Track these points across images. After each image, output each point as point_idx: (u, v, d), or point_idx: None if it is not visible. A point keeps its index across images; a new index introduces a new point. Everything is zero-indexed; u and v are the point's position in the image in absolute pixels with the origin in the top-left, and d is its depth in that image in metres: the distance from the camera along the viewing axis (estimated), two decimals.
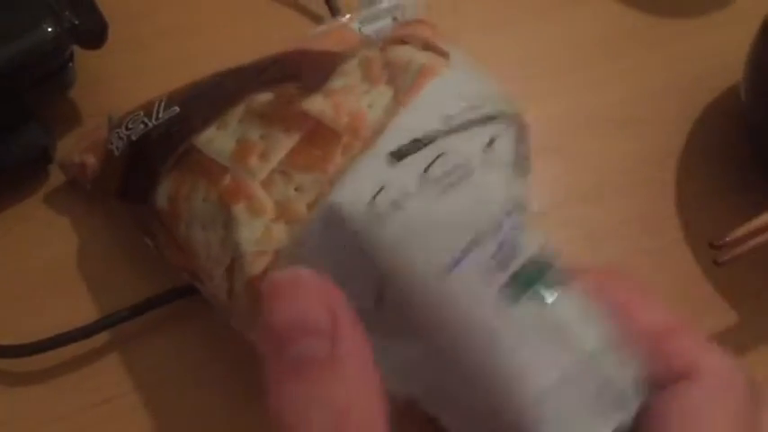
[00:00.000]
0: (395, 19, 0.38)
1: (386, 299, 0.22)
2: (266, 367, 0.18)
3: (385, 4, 0.38)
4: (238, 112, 0.30)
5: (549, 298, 0.21)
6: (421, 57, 0.28)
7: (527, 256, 0.21)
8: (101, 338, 0.34)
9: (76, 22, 0.35)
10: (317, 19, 0.44)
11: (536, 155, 0.30)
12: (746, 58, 0.40)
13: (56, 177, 0.38)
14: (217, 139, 0.30)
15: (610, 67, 0.44)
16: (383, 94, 0.27)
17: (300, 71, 0.30)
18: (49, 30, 0.34)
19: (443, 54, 0.28)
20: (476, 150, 0.24)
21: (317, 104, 0.28)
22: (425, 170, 0.23)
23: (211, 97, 0.32)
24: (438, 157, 0.23)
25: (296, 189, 0.27)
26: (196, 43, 0.43)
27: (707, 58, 0.45)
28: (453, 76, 0.27)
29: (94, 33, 0.36)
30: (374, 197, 0.22)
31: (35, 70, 0.35)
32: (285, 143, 0.28)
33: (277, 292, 0.19)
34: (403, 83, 0.27)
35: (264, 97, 0.30)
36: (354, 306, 0.19)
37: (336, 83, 0.28)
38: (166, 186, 0.31)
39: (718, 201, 0.41)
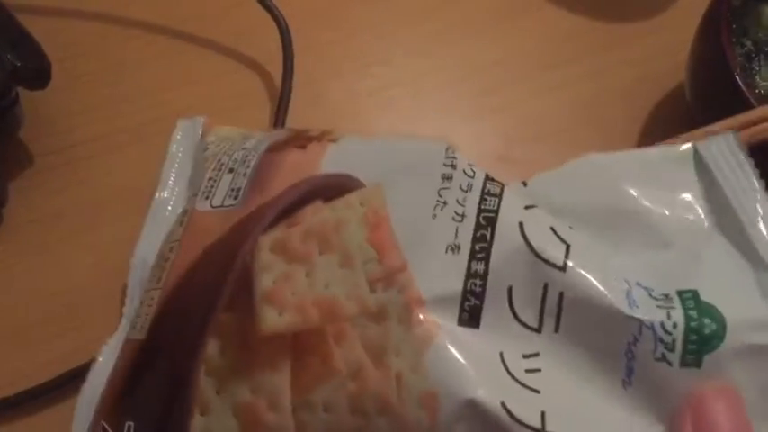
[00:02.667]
0: None
1: None
2: None
3: None
4: (205, 384, 0.25)
5: None
6: (350, 213, 0.27)
7: None
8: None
9: (18, 64, 0.35)
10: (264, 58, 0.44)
11: (489, 165, 0.30)
12: (687, 57, 0.41)
13: (10, 220, 0.38)
14: (214, 427, 0.25)
15: (555, 74, 0.45)
16: (330, 263, 0.26)
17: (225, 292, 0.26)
18: None
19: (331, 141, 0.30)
20: None
21: (272, 319, 0.25)
22: None
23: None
24: None
25: (325, 410, 0.25)
26: (143, 78, 0.43)
27: (651, 60, 0.46)
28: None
29: (38, 74, 0.36)
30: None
31: None
32: (282, 379, 0.25)
33: None
34: (351, 238, 0.26)
35: (214, 348, 0.26)
36: None
37: (265, 281, 0.26)
38: None
39: None
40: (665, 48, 0.46)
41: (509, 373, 0.25)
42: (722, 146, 0.30)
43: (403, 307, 0.25)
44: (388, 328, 0.25)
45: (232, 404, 0.25)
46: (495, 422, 0.23)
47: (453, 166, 0.28)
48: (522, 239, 0.26)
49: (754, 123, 0.33)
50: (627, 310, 0.25)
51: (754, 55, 0.38)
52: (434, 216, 0.27)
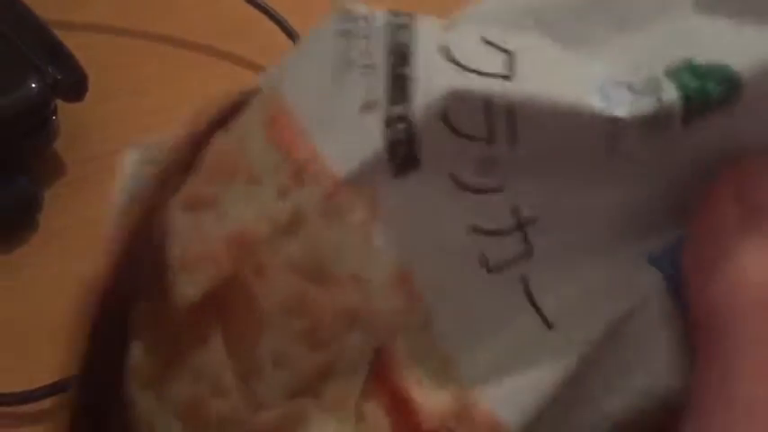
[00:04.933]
0: None
1: None
2: None
3: None
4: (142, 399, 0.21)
5: None
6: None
7: None
8: None
9: (59, 77, 0.37)
10: None
11: None
12: None
13: (45, 226, 0.39)
14: None
15: None
16: (238, 192, 0.21)
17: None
18: (34, 86, 0.36)
19: None
20: None
21: (185, 286, 0.20)
22: None
23: None
24: None
25: (276, 365, 0.20)
26: (168, 92, 0.45)
27: None
28: None
29: (76, 87, 0.38)
30: None
31: (22, 125, 0.37)
32: (216, 353, 0.20)
33: None
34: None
35: (138, 353, 0.21)
36: None
37: (178, 248, 0.21)
38: None
39: None
40: None
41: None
42: None
43: (322, 200, 0.20)
44: (311, 235, 0.20)
45: (174, 406, 0.21)
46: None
47: (351, 20, 0.22)
48: (448, 63, 0.20)
49: None
50: (599, 107, 0.19)
51: None
52: (339, 81, 0.21)
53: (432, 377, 0.20)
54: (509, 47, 0.20)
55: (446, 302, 0.20)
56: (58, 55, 0.38)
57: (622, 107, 0.19)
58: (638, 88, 0.19)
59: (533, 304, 0.20)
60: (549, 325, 0.20)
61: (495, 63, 0.20)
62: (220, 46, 0.46)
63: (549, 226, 0.20)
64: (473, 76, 0.19)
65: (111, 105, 0.43)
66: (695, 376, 0.19)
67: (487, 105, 0.19)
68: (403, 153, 0.20)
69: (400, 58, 0.20)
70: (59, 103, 0.38)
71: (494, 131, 0.19)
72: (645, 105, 0.19)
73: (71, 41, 0.40)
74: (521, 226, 0.20)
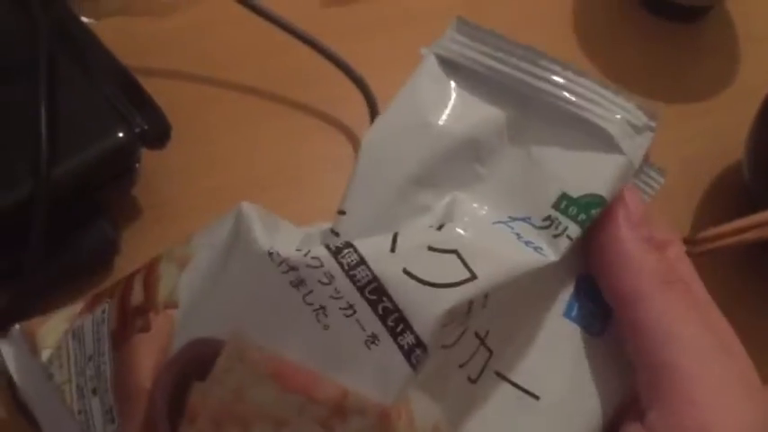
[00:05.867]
0: None
1: None
2: None
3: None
4: None
5: None
6: None
7: None
8: None
9: (146, 127, 0.38)
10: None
11: None
12: (748, 136, 0.45)
13: (119, 269, 0.40)
14: None
15: None
16: None
17: None
18: (121, 135, 0.37)
19: None
20: None
21: None
22: None
23: None
24: None
25: None
26: (237, 138, 0.46)
27: (706, 138, 0.49)
28: None
29: (160, 135, 0.39)
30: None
31: (108, 172, 0.38)
32: None
33: None
34: None
35: None
36: None
37: None
38: None
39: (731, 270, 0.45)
40: (720, 128, 0.49)
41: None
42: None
43: (377, 423, 0.22)
44: None
45: None
46: None
47: (295, 269, 0.23)
48: (422, 286, 0.23)
49: None
50: (538, 259, 0.24)
51: None
52: (326, 326, 0.23)
53: None
54: (450, 245, 0.24)
55: None
56: (144, 104, 0.39)
57: (553, 253, 0.24)
58: (538, 224, 0.25)
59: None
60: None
61: (455, 269, 0.23)
62: (291, 93, 0.48)
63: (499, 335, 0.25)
64: (449, 291, 0.23)
65: (185, 150, 0.44)
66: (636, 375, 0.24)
67: (469, 304, 0.23)
68: (423, 363, 0.23)
69: (376, 292, 0.23)
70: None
71: (471, 309, 0.23)
72: (562, 244, 0.25)
73: (149, 87, 0.41)
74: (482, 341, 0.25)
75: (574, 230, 0.24)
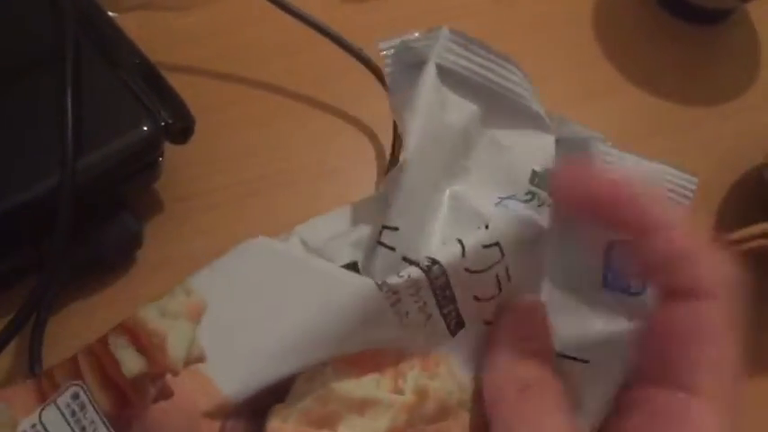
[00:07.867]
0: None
1: None
2: None
3: None
4: None
5: None
6: None
7: None
8: None
9: (170, 122, 0.38)
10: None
11: None
12: None
13: (143, 261, 0.41)
14: None
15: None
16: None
17: None
18: (146, 129, 0.38)
19: None
20: None
21: None
22: None
23: None
24: None
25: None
26: (266, 134, 0.46)
27: (728, 141, 0.49)
28: None
29: (184, 129, 0.39)
30: None
31: (132, 166, 0.38)
32: None
33: None
34: None
35: None
36: None
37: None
38: None
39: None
40: (741, 131, 0.49)
41: None
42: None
43: (423, 371, 0.27)
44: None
45: None
46: None
47: (396, 293, 0.26)
48: (469, 274, 0.27)
49: None
50: (538, 218, 0.28)
51: None
52: (404, 324, 0.26)
53: None
54: (494, 239, 0.27)
55: None
56: (169, 99, 0.39)
57: (543, 220, 0.28)
58: (523, 199, 0.29)
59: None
60: None
61: (493, 256, 0.27)
62: (314, 89, 0.48)
63: None
64: (485, 275, 0.28)
65: (208, 145, 0.44)
66: None
67: (498, 283, 0.28)
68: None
69: (442, 288, 0.27)
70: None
71: (500, 287, 0.28)
72: (546, 213, 0.28)
73: (173, 81, 0.41)
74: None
75: (548, 199, 0.28)
